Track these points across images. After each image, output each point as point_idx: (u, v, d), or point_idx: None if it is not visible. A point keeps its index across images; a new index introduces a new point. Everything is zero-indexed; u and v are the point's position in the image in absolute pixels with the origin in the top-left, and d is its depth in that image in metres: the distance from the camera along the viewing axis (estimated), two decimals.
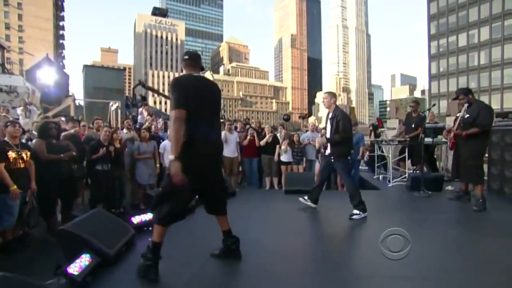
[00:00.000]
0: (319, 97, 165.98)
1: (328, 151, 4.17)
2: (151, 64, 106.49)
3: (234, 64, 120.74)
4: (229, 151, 6.68)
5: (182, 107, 2.02)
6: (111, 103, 9.62)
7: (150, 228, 3.18)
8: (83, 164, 4.55)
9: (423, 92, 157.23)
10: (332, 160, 4.04)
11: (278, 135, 7.18)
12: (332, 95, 4.16)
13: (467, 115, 4.24)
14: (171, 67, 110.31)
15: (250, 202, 5.07)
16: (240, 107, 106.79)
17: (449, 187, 5.42)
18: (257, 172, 7.11)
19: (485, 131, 4.17)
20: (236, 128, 7.52)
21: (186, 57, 2.35)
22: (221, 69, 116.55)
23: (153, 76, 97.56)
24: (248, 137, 6.92)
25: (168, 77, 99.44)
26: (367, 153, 7.43)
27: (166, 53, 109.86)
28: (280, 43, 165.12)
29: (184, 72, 2.34)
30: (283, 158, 6.90)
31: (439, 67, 44.61)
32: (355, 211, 3.84)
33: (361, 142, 7.23)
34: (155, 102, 73.97)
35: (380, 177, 6.72)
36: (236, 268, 2.41)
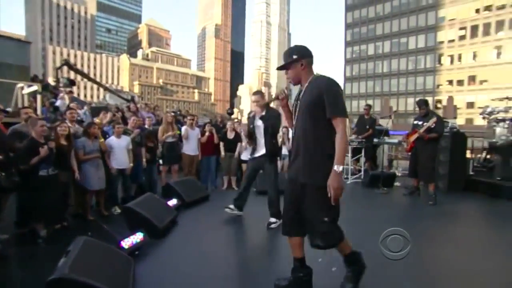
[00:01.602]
0: (241, 90, 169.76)
1: (260, 152, 3.87)
2: (51, 39, 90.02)
3: (154, 49, 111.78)
4: (191, 148, 6.13)
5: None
6: (19, 85, 7.67)
7: (137, 252, 2.62)
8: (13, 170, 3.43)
9: None
10: (264, 160, 3.82)
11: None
12: (263, 95, 4.07)
13: (426, 123, 4.81)
14: (78, 44, 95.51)
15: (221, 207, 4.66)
16: (160, 95, 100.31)
17: (397, 183, 6.09)
18: (215, 171, 6.72)
19: (439, 137, 4.84)
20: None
21: (311, 56, 2.01)
22: (139, 53, 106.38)
23: (54, 53, 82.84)
24: (207, 133, 6.44)
25: (75, 56, 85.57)
26: None
27: (72, 27, 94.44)
28: (204, 32, 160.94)
29: (307, 71, 1.97)
30: (244, 156, 6.66)
31: (353, 71, 50.44)
32: (273, 219, 3.66)
33: None
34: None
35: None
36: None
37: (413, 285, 2.26)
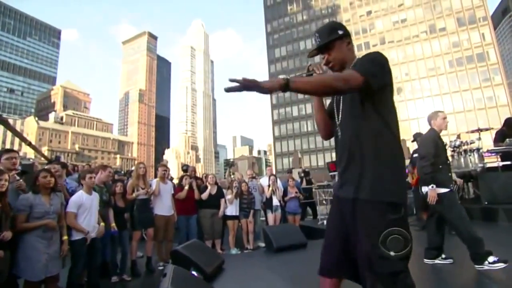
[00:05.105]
0: (168, 154, 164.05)
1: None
2: None
3: (70, 112, 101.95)
4: (164, 207, 4.83)
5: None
6: None
7: None
8: None
9: (259, 152, 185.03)
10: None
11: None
12: None
13: None
14: None
15: (242, 276, 3.47)
16: (75, 161, 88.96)
17: None
18: (196, 232, 5.40)
19: None
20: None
21: None
22: (51, 116, 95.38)
23: None
24: (186, 187, 5.28)
25: None
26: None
27: None
28: (127, 97, 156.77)
29: (353, 52, 1.48)
30: (229, 211, 5.61)
31: (280, 131, 54.59)
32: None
33: None
34: None
35: (325, 222, 6.50)
36: None
37: None
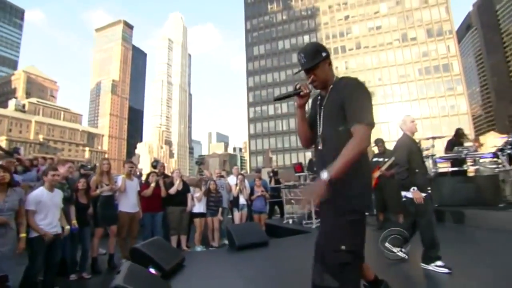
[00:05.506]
0: (140, 148, 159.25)
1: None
2: None
3: (34, 100, 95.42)
4: (129, 204, 4.82)
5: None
6: None
7: None
8: None
9: (234, 149, 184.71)
10: None
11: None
12: None
13: (386, 159, 5.13)
14: None
15: (201, 272, 3.54)
16: (38, 153, 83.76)
17: None
18: (162, 229, 5.41)
19: None
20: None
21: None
22: (11, 103, 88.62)
23: None
24: (152, 184, 5.27)
25: None
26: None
27: None
28: (99, 87, 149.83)
29: (332, 71, 1.64)
30: (196, 209, 5.67)
31: (256, 129, 55.01)
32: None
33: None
34: None
35: (290, 221, 6.72)
36: None
37: None
